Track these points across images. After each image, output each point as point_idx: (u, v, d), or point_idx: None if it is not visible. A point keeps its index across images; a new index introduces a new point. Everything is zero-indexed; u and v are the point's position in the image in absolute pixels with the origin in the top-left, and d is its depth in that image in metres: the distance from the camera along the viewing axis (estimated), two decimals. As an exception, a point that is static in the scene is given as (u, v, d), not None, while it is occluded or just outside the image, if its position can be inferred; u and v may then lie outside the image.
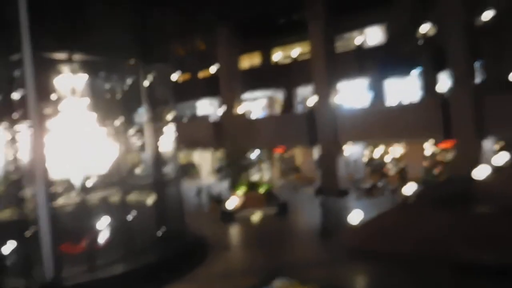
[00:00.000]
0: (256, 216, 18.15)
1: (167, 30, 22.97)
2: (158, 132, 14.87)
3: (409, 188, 15.19)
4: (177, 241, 13.49)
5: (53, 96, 12.17)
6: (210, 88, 27.82)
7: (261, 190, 19.82)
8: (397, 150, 24.65)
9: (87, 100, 12.97)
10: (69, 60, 11.42)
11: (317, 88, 22.43)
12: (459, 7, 18.11)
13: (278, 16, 26.71)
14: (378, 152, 25.05)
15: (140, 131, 15.67)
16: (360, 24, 26.17)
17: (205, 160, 32.55)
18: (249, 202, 18.91)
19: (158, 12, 14.40)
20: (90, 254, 11.65)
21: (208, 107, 32.96)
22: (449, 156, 21.11)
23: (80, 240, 12.25)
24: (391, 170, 24.07)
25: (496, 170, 14.36)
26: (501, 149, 19.22)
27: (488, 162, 15.71)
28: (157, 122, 14.72)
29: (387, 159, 24.78)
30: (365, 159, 25.31)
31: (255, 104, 30.98)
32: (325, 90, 21.94)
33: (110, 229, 14.19)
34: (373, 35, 26.37)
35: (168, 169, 15.02)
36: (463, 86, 17.94)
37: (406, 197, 15.38)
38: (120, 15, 11.84)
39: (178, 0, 20.75)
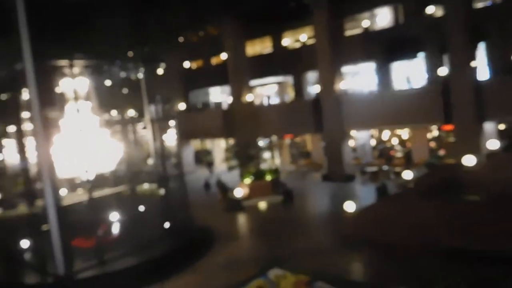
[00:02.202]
0: (262, 205, 18.65)
1: (170, 27, 23.33)
2: (161, 129, 15.43)
3: (408, 174, 15.36)
4: (183, 233, 14.12)
5: (58, 100, 12.79)
6: (220, 76, 28.10)
7: (268, 178, 20.25)
8: (403, 133, 24.65)
9: (91, 102, 13.60)
10: (70, 66, 11.95)
11: (321, 75, 22.51)
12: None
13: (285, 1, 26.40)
14: (385, 135, 25.09)
15: (145, 128, 16.28)
16: (368, 6, 25.79)
17: (218, 147, 33.09)
18: (256, 190, 19.39)
19: (159, 12, 14.73)
20: (100, 248, 12.36)
21: (220, 95, 33.36)
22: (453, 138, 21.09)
23: (92, 234, 12.98)
24: (398, 153, 24.13)
25: (489, 155, 14.39)
26: (503, 131, 19.14)
27: (488, 146, 15.75)
28: (160, 119, 15.26)
29: (394, 142, 24.83)
30: (372, 143, 25.40)
31: (267, 90, 31.25)
32: (329, 77, 22.01)
33: (119, 223, 14.99)
34: (381, 17, 26.05)
35: (173, 163, 15.62)
36: (461, 71, 17.80)
37: (406, 182, 15.59)
38: (120, 19, 12.22)
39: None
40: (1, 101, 14.81)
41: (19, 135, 13.45)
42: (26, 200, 14.19)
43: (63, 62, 11.87)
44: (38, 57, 10.90)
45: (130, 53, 13.87)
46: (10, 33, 10.93)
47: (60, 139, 13.01)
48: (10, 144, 16.91)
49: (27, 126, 13.02)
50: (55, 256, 11.41)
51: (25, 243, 13.13)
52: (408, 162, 22.89)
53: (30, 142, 13.09)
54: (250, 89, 26.46)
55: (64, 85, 12.69)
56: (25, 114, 13.12)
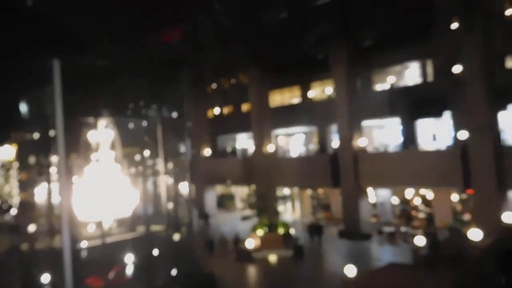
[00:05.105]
0: (272, 258, 18.65)
1: (199, 78, 24.73)
2: (179, 176, 16.31)
3: (421, 240, 15.10)
4: (189, 282, 14.46)
5: (83, 149, 13.99)
6: (248, 123, 28.89)
7: (280, 231, 20.32)
8: (428, 192, 24.05)
9: (114, 151, 14.75)
10: (96, 120, 13.17)
11: (340, 130, 22.79)
12: (479, 52, 17.52)
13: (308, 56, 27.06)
14: (407, 194, 24.58)
15: (164, 175, 17.20)
16: (395, 60, 25.84)
17: (241, 193, 33.48)
18: (267, 243, 19.46)
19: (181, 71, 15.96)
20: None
21: (247, 141, 34.11)
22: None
23: (105, 274, 13.68)
24: (420, 213, 23.49)
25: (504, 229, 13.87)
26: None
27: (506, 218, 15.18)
28: (178, 167, 16.17)
29: (417, 201, 24.22)
30: (394, 201, 24.92)
31: (293, 139, 31.76)
32: (348, 132, 22.20)
33: (131, 266, 15.63)
34: (410, 71, 26.06)
35: (184, 212, 16.30)
36: (481, 135, 17.31)
37: (418, 249, 15.26)
38: (141, 83, 13.46)
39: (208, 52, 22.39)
40: (34, 141, 16.21)
41: (47, 176, 14.68)
42: (48, 236, 15.23)
43: (90, 118, 13.10)
44: (68, 112, 12.17)
45: (154, 106, 15.01)
46: (45, 87, 12.33)
47: (83, 184, 14.10)
48: (42, 182, 18.25)
49: (54, 170, 14.25)
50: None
51: (43, 277, 13.91)
52: (429, 224, 22.22)
53: (55, 185, 14.26)
54: (273, 138, 26.96)
55: (90, 136, 13.89)
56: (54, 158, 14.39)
